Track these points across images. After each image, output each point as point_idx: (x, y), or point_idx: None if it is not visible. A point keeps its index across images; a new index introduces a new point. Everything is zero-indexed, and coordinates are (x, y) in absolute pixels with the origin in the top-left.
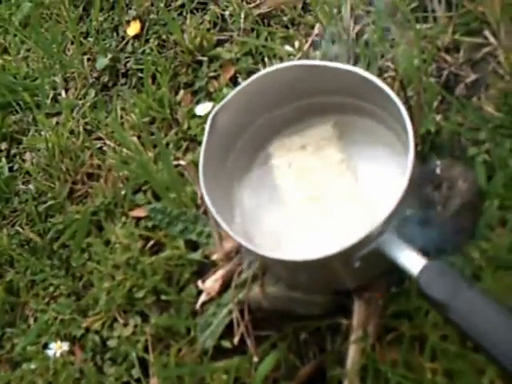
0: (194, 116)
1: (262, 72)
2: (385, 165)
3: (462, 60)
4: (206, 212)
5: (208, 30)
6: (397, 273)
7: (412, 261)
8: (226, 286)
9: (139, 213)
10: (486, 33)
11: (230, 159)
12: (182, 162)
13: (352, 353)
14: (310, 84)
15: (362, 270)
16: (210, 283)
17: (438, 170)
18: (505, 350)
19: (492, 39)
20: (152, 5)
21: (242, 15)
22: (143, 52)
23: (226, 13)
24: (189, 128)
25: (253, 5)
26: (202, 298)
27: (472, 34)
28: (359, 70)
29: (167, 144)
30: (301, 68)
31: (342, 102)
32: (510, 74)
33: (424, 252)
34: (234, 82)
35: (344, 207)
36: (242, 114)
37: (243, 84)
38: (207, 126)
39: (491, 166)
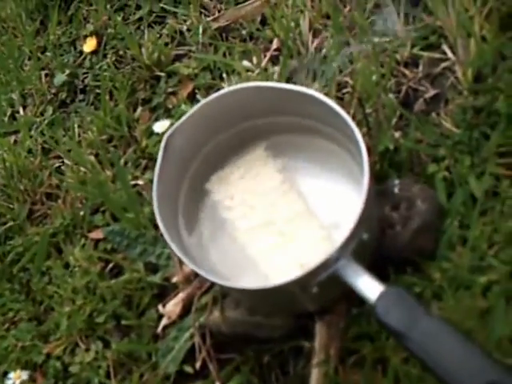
0: (153, 134)
1: (215, 95)
2: (340, 184)
3: (421, 75)
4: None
5: (166, 44)
6: (357, 294)
7: (369, 287)
8: (187, 309)
9: (98, 234)
10: (444, 47)
11: (185, 184)
12: (139, 182)
13: (315, 376)
14: (259, 106)
15: (321, 294)
16: (171, 307)
17: (396, 190)
18: (462, 379)
19: (450, 54)
20: (109, 19)
21: (201, 29)
22: (100, 68)
23: (184, 27)
24: (147, 146)
25: (211, 18)
26: (163, 321)
27: (431, 48)
28: (310, 91)
29: (125, 162)
30: (252, 90)
31: (290, 122)
32: (468, 90)
33: (383, 275)
34: (192, 98)
35: (297, 228)
36: (194, 139)
37: (196, 107)
38: (161, 150)
39: (451, 183)
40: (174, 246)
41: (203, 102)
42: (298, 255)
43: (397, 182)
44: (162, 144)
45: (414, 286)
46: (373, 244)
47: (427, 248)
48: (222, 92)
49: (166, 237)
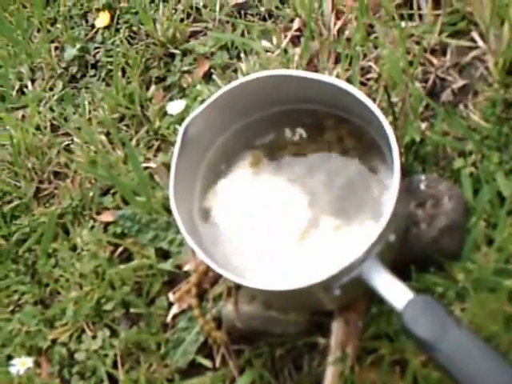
0: (166, 114)
1: (236, 82)
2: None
3: (449, 63)
4: None
5: (181, 20)
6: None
7: (396, 294)
8: (198, 298)
9: (107, 217)
10: (474, 35)
11: (201, 172)
12: (152, 165)
13: (330, 374)
14: (280, 94)
15: (343, 295)
16: (182, 295)
17: (422, 186)
18: None
19: (480, 42)
20: None
21: (218, 5)
22: (113, 43)
23: (200, 2)
24: (160, 127)
25: None
26: (173, 310)
27: (459, 35)
28: (338, 82)
29: (137, 143)
30: (274, 78)
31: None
32: (499, 82)
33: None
34: (208, 77)
35: (306, 225)
36: (212, 126)
37: (216, 94)
38: (178, 138)
39: (478, 180)
40: (189, 239)
41: (224, 89)
42: (311, 252)
43: (423, 177)
44: (181, 131)
45: (436, 286)
46: (398, 244)
47: (452, 248)
48: (243, 79)
49: (182, 229)
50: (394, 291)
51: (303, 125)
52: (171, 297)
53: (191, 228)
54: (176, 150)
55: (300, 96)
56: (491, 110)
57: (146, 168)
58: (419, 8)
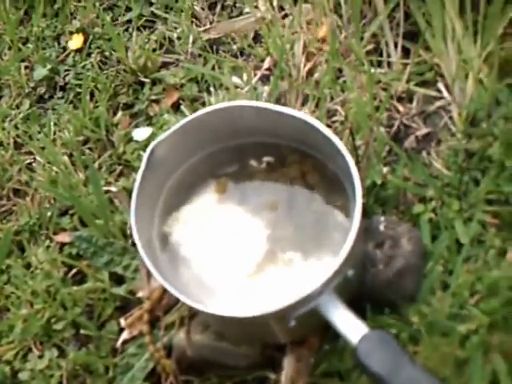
0: (131, 140)
1: (207, 109)
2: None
3: (414, 111)
4: (134, 244)
5: (154, 50)
6: (331, 329)
7: (351, 328)
8: (150, 325)
9: (64, 237)
10: (440, 85)
11: (161, 198)
12: (113, 189)
13: None
14: (247, 125)
15: (297, 328)
16: (133, 322)
17: (381, 227)
18: None
19: (446, 93)
20: (97, 17)
21: (191, 39)
22: (84, 67)
23: (174, 34)
24: (124, 152)
25: (202, 28)
26: (124, 336)
27: (426, 85)
28: (307, 117)
29: (100, 167)
30: (244, 108)
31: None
32: (462, 132)
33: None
34: (176, 108)
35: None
36: (177, 151)
37: (185, 120)
38: (144, 160)
39: (437, 225)
40: (148, 263)
41: (194, 115)
42: (268, 285)
43: (382, 218)
44: (146, 154)
45: (390, 327)
46: (355, 281)
47: (408, 290)
48: (210, 108)
49: (141, 252)
50: (350, 325)
51: (268, 157)
52: (123, 322)
53: (150, 253)
54: (140, 173)
55: (266, 129)
56: (453, 159)
57: (107, 192)
58: (388, 56)
